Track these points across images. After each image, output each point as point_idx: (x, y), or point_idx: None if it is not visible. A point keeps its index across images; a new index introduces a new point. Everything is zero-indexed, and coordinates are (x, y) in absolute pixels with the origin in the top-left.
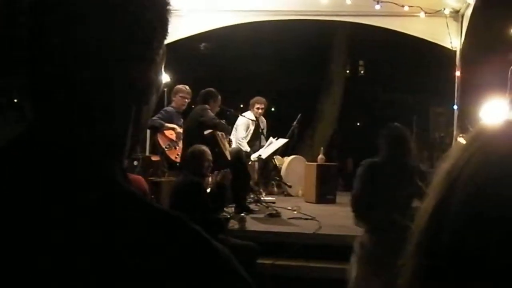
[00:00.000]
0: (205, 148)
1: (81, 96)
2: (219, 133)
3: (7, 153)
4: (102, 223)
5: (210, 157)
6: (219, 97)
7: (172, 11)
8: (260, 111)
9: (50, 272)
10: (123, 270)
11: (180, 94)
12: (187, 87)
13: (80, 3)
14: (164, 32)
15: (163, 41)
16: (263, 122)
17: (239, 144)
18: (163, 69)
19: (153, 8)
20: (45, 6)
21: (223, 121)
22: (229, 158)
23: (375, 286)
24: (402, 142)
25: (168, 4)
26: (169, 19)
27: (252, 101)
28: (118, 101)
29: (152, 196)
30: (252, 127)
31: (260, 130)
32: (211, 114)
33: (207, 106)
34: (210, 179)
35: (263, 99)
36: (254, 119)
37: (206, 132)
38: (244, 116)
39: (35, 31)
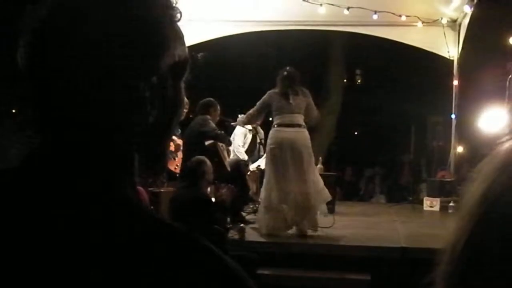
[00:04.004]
0: (205, 158)
1: (89, 112)
2: (220, 144)
3: (21, 172)
4: (112, 238)
5: (209, 167)
6: (218, 106)
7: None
8: None
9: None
10: (133, 285)
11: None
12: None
13: (87, 20)
14: (176, 47)
15: (174, 57)
16: (260, 132)
17: (237, 152)
18: (182, 86)
19: (164, 24)
20: (50, 23)
21: (223, 132)
22: (228, 169)
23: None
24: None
25: (177, 19)
26: (182, 36)
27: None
28: (129, 116)
29: (152, 207)
30: (249, 136)
31: (259, 140)
32: (213, 124)
33: (208, 116)
34: (209, 189)
35: None
36: (251, 128)
37: (207, 143)
38: (246, 128)
39: (39, 47)
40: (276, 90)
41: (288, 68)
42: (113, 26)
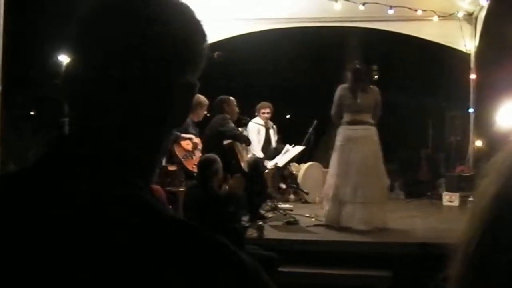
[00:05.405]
0: (216, 156)
1: (114, 118)
2: (238, 144)
3: (42, 169)
4: (134, 239)
5: (221, 164)
6: (234, 102)
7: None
8: (266, 115)
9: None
10: (152, 284)
11: (205, 108)
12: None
13: (116, 34)
14: (199, 58)
15: (198, 67)
16: (273, 126)
17: (251, 150)
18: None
19: (187, 39)
20: (84, 32)
21: (241, 130)
22: (246, 170)
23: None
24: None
25: (204, 35)
26: (204, 49)
27: (257, 106)
28: (152, 123)
29: (170, 206)
30: (263, 132)
31: (275, 138)
32: (232, 124)
33: (227, 115)
34: (226, 187)
35: (268, 103)
36: (263, 123)
37: (225, 142)
38: (258, 123)
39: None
40: (346, 85)
41: (357, 62)
42: (147, 39)
